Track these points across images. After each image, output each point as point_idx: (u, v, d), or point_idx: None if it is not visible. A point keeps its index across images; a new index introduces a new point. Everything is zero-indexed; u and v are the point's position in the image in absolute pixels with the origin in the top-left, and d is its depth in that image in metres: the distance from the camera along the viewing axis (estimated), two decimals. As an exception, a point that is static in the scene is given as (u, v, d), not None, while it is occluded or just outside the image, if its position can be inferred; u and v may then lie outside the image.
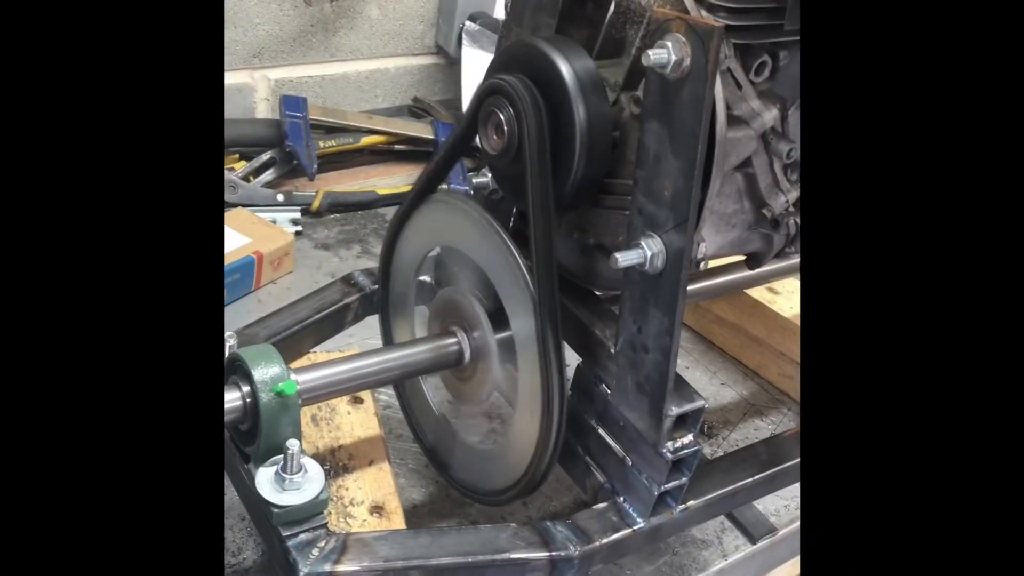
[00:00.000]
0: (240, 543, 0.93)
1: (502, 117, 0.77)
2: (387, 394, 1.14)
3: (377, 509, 0.88)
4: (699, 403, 0.80)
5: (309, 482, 0.75)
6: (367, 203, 1.65)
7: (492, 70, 0.82)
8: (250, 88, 1.70)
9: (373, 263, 1.49)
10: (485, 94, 0.78)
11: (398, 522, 0.88)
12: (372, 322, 1.08)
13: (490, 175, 0.92)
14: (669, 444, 0.79)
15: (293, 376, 0.78)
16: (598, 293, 0.92)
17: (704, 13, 0.73)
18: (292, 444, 0.74)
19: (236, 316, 1.31)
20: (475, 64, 1.82)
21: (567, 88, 0.74)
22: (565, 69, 0.74)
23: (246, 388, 0.76)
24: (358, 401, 1.02)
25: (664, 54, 0.67)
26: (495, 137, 0.79)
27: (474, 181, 0.94)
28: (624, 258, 0.74)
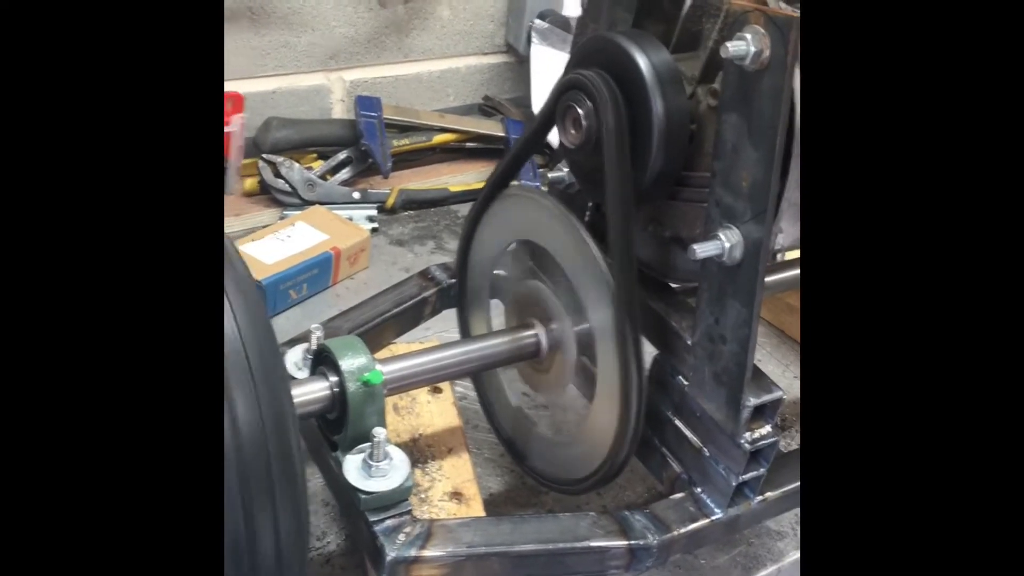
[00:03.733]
0: (324, 528, 0.96)
1: (580, 111, 0.78)
2: (463, 386, 1.16)
3: (456, 495, 0.90)
4: (777, 394, 0.80)
5: (395, 469, 0.78)
6: (440, 200, 1.68)
7: (570, 65, 0.84)
8: (326, 89, 1.74)
9: (446, 258, 1.52)
10: (563, 89, 0.80)
11: (477, 508, 0.90)
12: (448, 316, 1.11)
13: (566, 169, 0.93)
14: (747, 435, 0.80)
15: (378, 366, 0.80)
16: (674, 286, 0.92)
17: (782, 4, 0.74)
18: (379, 432, 0.77)
19: (315, 310, 1.35)
20: (544, 61, 1.83)
21: (645, 81, 0.75)
22: (643, 62, 0.75)
23: (334, 378, 0.79)
24: (437, 391, 1.04)
25: (743, 46, 0.67)
26: (573, 131, 0.80)
27: (549, 176, 0.95)
28: (702, 250, 0.74)
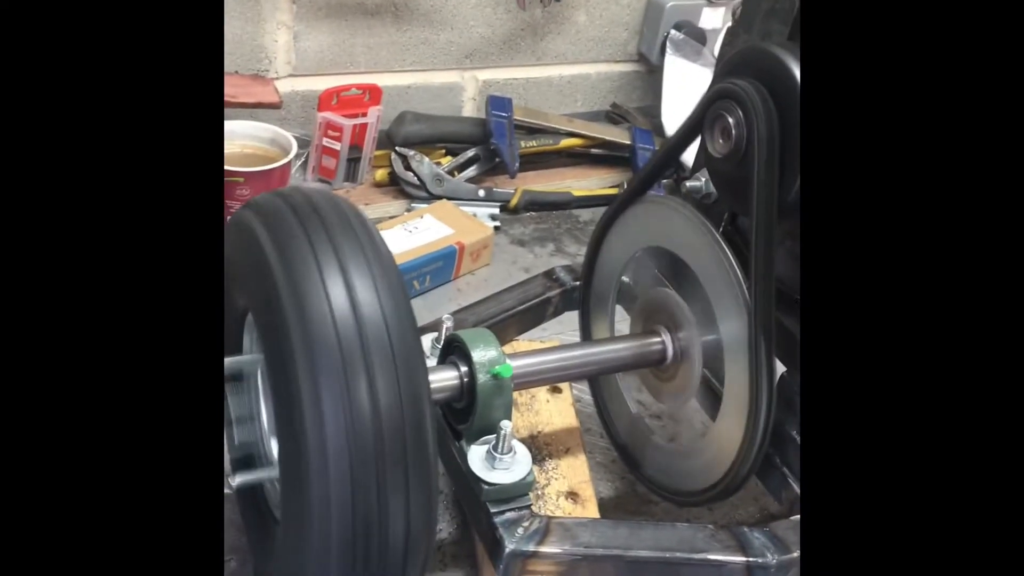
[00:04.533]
0: (438, 516, 0.98)
1: (731, 120, 0.77)
2: (577, 388, 1.16)
3: (572, 495, 0.91)
4: (913, 422, 0.78)
5: (518, 463, 0.79)
6: (562, 203, 1.69)
7: (720, 75, 0.83)
8: (460, 87, 1.77)
9: (566, 261, 1.53)
10: (714, 97, 0.79)
11: (592, 509, 0.90)
12: (564, 318, 1.11)
13: (704, 179, 0.92)
14: (878, 461, 0.78)
15: (507, 360, 0.81)
16: (807, 304, 0.91)
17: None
18: (505, 425, 0.78)
19: (436, 302, 1.38)
20: (677, 72, 1.82)
21: (800, 94, 0.74)
22: (799, 75, 0.74)
23: (464, 368, 0.81)
24: (557, 391, 1.05)
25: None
26: (721, 140, 0.80)
27: (687, 184, 0.95)
28: (847, 268, 0.73)
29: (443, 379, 0.81)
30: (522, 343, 1.10)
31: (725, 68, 0.83)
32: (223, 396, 0.82)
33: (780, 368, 0.88)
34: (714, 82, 0.82)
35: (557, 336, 1.23)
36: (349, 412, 0.61)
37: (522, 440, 0.97)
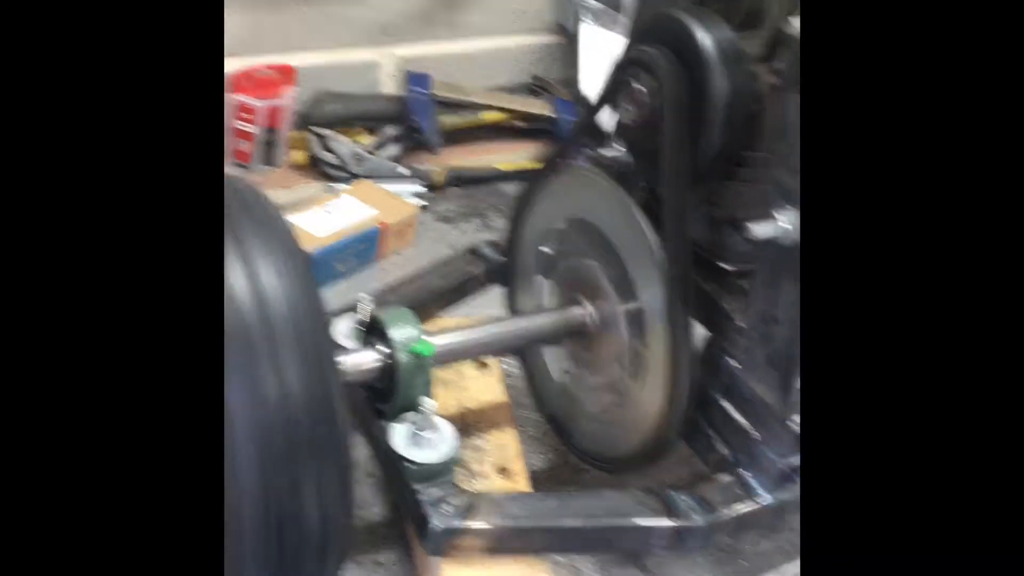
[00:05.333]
0: (369, 498, 0.97)
1: (639, 87, 0.77)
2: (507, 363, 1.16)
3: (503, 470, 0.91)
4: (830, 379, 0.79)
5: (442, 440, 0.78)
6: (487, 178, 1.68)
7: (630, 43, 0.83)
8: (377, 64, 1.74)
9: (492, 236, 1.52)
10: (623, 65, 0.79)
11: (523, 484, 0.90)
12: (493, 294, 1.11)
13: (621, 149, 0.92)
14: (797, 418, 0.79)
15: (427, 338, 0.80)
16: (726, 267, 0.92)
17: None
18: (427, 403, 0.77)
19: (362, 284, 1.36)
20: (593, 41, 1.82)
21: (708, 59, 0.74)
22: (705, 40, 0.74)
23: (384, 348, 0.80)
24: (484, 366, 1.04)
25: (810, 23, 0.66)
26: (631, 108, 0.80)
27: (604, 155, 0.95)
28: (760, 230, 0.74)
29: (363, 361, 0.80)
30: (448, 320, 1.09)
31: (635, 36, 0.83)
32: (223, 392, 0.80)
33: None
34: (624, 50, 0.82)
35: (487, 312, 1.22)
36: (254, 403, 0.60)
37: (450, 417, 0.96)
